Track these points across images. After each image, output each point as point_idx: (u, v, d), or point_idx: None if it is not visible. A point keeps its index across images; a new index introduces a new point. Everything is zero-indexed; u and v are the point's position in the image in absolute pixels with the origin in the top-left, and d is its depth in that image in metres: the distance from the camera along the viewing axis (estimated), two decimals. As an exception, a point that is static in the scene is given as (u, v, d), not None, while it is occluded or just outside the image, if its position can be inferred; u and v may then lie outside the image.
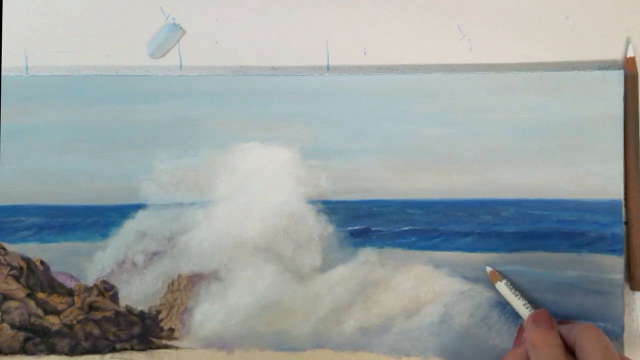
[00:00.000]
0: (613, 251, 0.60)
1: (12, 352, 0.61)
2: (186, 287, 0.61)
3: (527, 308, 0.57)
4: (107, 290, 0.62)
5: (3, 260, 0.61)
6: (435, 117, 0.61)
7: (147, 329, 0.61)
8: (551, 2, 0.62)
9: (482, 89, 0.61)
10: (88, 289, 0.62)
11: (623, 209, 0.60)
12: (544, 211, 0.60)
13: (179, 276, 0.61)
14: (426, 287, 0.60)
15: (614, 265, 0.59)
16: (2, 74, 0.62)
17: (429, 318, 0.60)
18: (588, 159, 0.60)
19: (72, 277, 0.62)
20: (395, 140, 0.61)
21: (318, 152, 0.61)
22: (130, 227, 0.61)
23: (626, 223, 0.60)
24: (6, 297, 0.61)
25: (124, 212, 0.61)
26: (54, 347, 0.61)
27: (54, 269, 0.62)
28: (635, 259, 0.60)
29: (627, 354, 0.59)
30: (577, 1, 0.62)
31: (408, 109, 0.61)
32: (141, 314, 0.61)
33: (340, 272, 0.61)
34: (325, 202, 0.61)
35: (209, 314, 0.61)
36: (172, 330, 0.61)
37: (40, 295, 0.62)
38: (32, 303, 0.61)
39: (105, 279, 0.62)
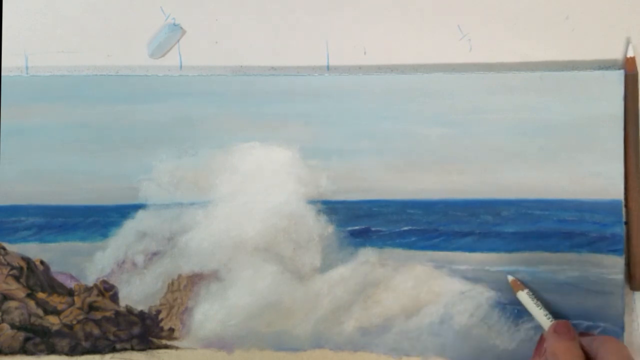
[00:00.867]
0: (613, 251, 0.60)
1: (12, 352, 0.61)
2: (186, 287, 0.61)
3: (549, 319, 0.57)
4: (107, 290, 0.62)
5: (3, 260, 0.61)
6: (435, 117, 0.61)
7: (147, 329, 0.61)
8: (551, 2, 0.62)
9: (482, 89, 0.61)
10: (88, 289, 0.62)
11: (623, 209, 0.60)
12: (544, 211, 0.60)
13: (179, 276, 0.61)
14: (426, 287, 0.60)
15: (614, 265, 0.59)
16: (2, 74, 0.62)
17: (429, 318, 0.60)
18: (588, 159, 0.60)
19: (72, 277, 0.62)
20: (395, 140, 0.61)
21: (318, 152, 0.61)
22: (130, 227, 0.61)
23: (626, 223, 0.60)
24: (6, 297, 0.61)
25: (124, 212, 0.61)
26: (54, 347, 0.61)
27: (54, 269, 0.62)
28: (635, 259, 0.60)
29: (627, 354, 0.59)
30: (577, 1, 0.62)
31: (408, 109, 0.61)
32: (141, 314, 0.61)
33: (340, 272, 0.61)
34: (325, 202, 0.61)
35: (209, 314, 0.61)
36: (172, 330, 0.61)
37: (40, 295, 0.62)
38: (32, 303, 0.61)
39: (105, 279, 0.62)
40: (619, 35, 0.62)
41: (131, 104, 0.62)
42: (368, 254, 0.61)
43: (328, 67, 0.63)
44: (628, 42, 0.61)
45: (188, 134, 0.62)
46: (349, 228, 0.61)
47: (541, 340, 0.58)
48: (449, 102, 0.61)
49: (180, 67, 0.63)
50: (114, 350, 0.61)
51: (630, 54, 0.61)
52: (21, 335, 0.61)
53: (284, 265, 0.61)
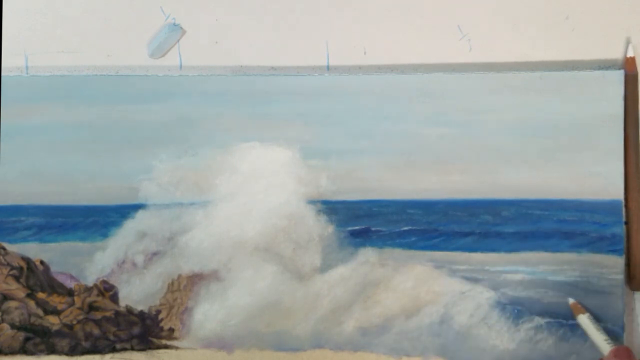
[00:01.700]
0: (613, 251, 0.60)
1: (12, 352, 0.61)
2: (186, 287, 0.61)
3: (609, 343, 0.56)
4: (107, 290, 0.62)
5: (3, 260, 0.61)
6: (435, 117, 0.61)
7: (147, 329, 0.61)
8: (551, 2, 0.62)
9: (482, 89, 0.61)
10: (88, 289, 0.62)
11: (623, 209, 0.60)
12: (544, 211, 0.60)
13: (179, 276, 0.61)
14: (426, 287, 0.60)
15: (614, 265, 0.59)
16: (2, 74, 0.62)
17: (429, 318, 0.60)
18: (588, 159, 0.60)
19: (72, 277, 0.62)
20: (395, 140, 0.61)
21: (318, 152, 0.61)
22: (130, 227, 0.61)
23: (626, 223, 0.60)
24: (6, 297, 0.61)
25: (124, 212, 0.61)
26: (54, 347, 0.61)
27: (54, 269, 0.62)
28: (635, 259, 0.60)
29: (627, 354, 0.59)
30: (577, 1, 0.62)
31: (408, 109, 0.61)
32: (141, 314, 0.61)
33: (340, 272, 0.61)
34: (325, 202, 0.61)
35: (209, 314, 0.61)
36: (172, 330, 0.61)
37: (40, 295, 0.62)
38: (32, 303, 0.61)
39: (105, 279, 0.62)
40: (619, 35, 0.62)
41: (131, 104, 0.62)
42: (368, 254, 0.61)
43: (328, 67, 0.63)
44: (628, 42, 0.61)
45: (188, 134, 0.62)
46: (349, 228, 0.61)
47: None
48: (449, 102, 0.61)
49: (180, 67, 0.63)
50: (114, 350, 0.61)
51: (630, 54, 0.61)
52: (21, 335, 0.61)
53: (284, 265, 0.61)
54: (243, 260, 0.61)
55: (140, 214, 0.61)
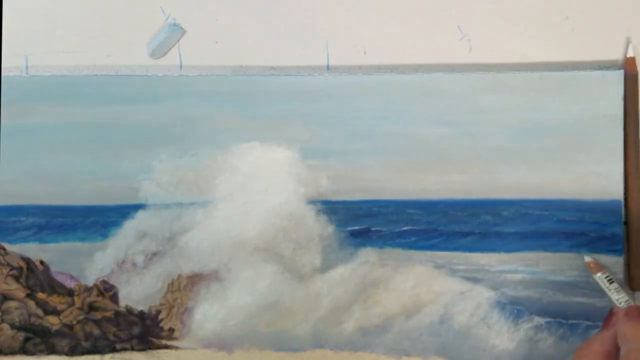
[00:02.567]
0: (613, 251, 0.60)
1: (12, 352, 0.61)
2: (186, 287, 0.61)
3: (621, 303, 0.56)
4: (107, 290, 0.62)
5: (3, 260, 0.61)
6: (435, 117, 0.61)
7: (147, 329, 0.61)
8: (551, 2, 0.62)
9: (482, 89, 0.61)
10: (88, 289, 0.62)
11: (623, 209, 0.60)
12: (544, 211, 0.60)
13: (179, 276, 0.61)
14: (426, 287, 0.60)
15: (613, 265, 0.59)
16: (2, 74, 0.62)
17: (429, 318, 0.60)
18: (588, 159, 0.60)
19: (72, 277, 0.62)
20: (395, 140, 0.61)
21: (318, 152, 0.61)
22: (130, 227, 0.61)
23: (626, 223, 0.60)
24: (6, 297, 0.61)
25: (124, 212, 0.61)
26: (54, 347, 0.61)
27: (53, 269, 0.62)
28: (635, 259, 0.60)
29: (627, 354, 0.59)
30: (577, 1, 0.62)
31: (408, 109, 0.61)
32: (141, 314, 0.61)
33: (340, 272, 0.61)
34: (325, 202, 0.61)
35: (209, 314, 0.61)
36: (172, 330, 0.61)
37: (40, 295, 0.62)
38: (32, 303, 0.61)
39: (105, 279, 0.62)
40: (619, 35, 0.62)
41: (131, 104, 0.62)
42: (368, 254, 0.61)
43: (328, 67, 0.63)
44: (628, 42, 0.61)
45: (188, 134, 0.62)
46: (349, 228, 0.61)
47: (610, 314, 0.57)
48: (449, 102, 0.61)
49: (180, 67, 0.63)
50: (113, 350, 0.61)
51: (630, 54, 0.61)
52: (21, 335, 0.61)
53: (284, 265, 0.61)
54: (243, 260, 0.61)
55: (140, 214, 0.61)
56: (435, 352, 0.60)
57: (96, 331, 0.61)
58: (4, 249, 0.61)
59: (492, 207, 0.61)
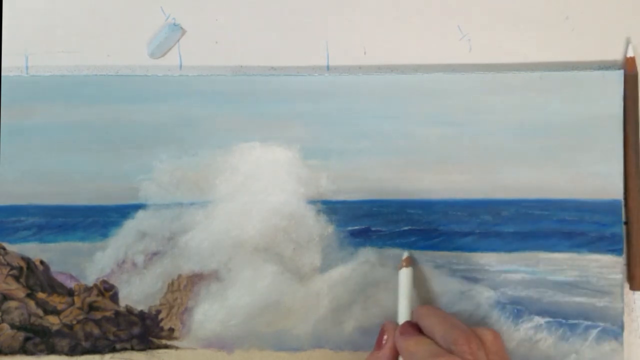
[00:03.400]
0: (613, 251, 0.60)
1: (12, 352, 0.61)
2: (186, 287, 0.61)
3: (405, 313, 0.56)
4: (107, 290, 0.62)
5: (3, 260, 0.61)
6: (435, 117, 0.61)
7: (147, 329, 0.61)
8: (551, 2, 0.62)
9: (482, 89, 0.61)
10: (88, 289, 0.62)
11: (623, 209, 0.60)
12: (544, 211, 0.60)
13: (179, 276, 0.61)
14: (426, 287, 0.60)
15: (614, 265, 0.59)
16: (2, 74, 0.62)
17: (429, 318, 0.60)
18: (588, 159, 0.60)
19: (72, 277, 0.62)
20: (395, 140, 0.61)
21: (318, 152, 0.61)
22: (130, 227, 0.61)
23: (626, 223, 0.60)
24: (6, 297, 0.61)
25: (124, 212, 0.61)
26: (54, 347, 0.61)
27: (54, 269, 0.62)
28: (635, 258, 0.60)
29: (627, 353, 0.59)
30: (577, 1, 0.62)
31: (408, 109, 0.61)
32: (141, 314, 0.61)
33: (340, 272, 0.61)
34: (325, 202, 0.61)
35: (209, 314, 0.61)
36: (172, 330, 0.61)
37: (40, 295, 0.62)
38: (32, 303, 0.61)
39: (105, 279, 0.62)
40: (619, 35, 0.62)
41: (131, 104, 0.62)
42: (368, 254, 0.61)
43: (328, 67, 0.63)
44: (628, 42, 0.61)
45: (188, 134, 0.62)
46: (349, 228, 0.61)
47: (381, 332, 0.57)
48: (449, 102, 0.61)
49: (180, 67, 0.63)
50: (114, 350, 0.61)
51: (630, 54, 0.61)
52: (21, 335, 0.61)
53: (284, 265, 0.61)
54: (243, 260, 0.61)
55: (140, 214, 0.61)
56: (435, 352, 0.60)
57: (96, 331, 0.61)
58: (4, 249, 0.61)
59: (492, 207, 0.61)
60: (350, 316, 0.61)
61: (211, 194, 0.61)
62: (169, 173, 0.62)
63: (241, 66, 0.63)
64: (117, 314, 0.61)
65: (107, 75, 0.62)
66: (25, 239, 0.62)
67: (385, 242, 0.61)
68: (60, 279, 0.62)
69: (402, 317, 0.56)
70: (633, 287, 0.60)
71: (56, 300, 0.62)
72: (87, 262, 0.61)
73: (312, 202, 0.61)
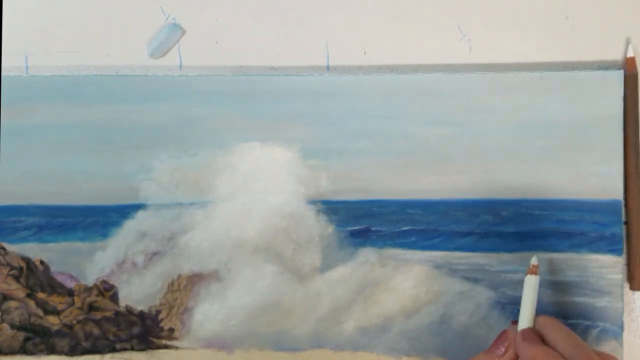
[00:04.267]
0: (613, 251, 0.60)
1: (12, 352, 0.61)
2: (186, 287, 0.61)
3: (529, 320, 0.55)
4: (107, 290, 0.62)
5: (3, 260, 0.61)
6: (435, 117, 0.61)
7: (147, 329, 0.61)
8: (551, 2, 0.62)
9: (482, 89, 0.61)
10: (88, 289, 0.62)
11: (623, 209, 0.60)
12: (544, 211, 0.60)
13: (179, 276, 0.61)
14: (426, 287, 0.60)
15: (613, 265, 0.59)
16: (2, 74, 0.62)
17: (429, 318, 0.60)
18: (588, 159, 0.60)
19: (72, 277, 0.62)
20: (395, 140, 0.61)
21: (318, 152, 0.61)
22: (130, 227, 0.61)
23: (626, 223, 0.60)
24: (6, 297, 0.61)
25: (124, 212, 0.61)
26: (54, 347, 0.61)
27: (53, 269, 0.62)
28: (635, 259, 0.60)
29: (627, 354, 0.59)
30: (577, 1, 0.62)
31: (408, 109, 0.61)
32: (141, 314, 0.61)
33: (340, 272, 0.61)
34: (325, 202, 0.61)
35: (209, 314, 0.61)
36: (172, 330, 0.61)
37: (40, 295, 0.62)
38: (32, 303, 0.61)
39: (105, 279, 0.62)
40: (619, 35, 0.62)
41: (131, 104, 0.62)
42: (368, 254, 0.61)
43: (328, 67, 0.63)
44: (628, 42, 0.61)
45: (188, 134, 0.62)
46: (349, 228, 0.61)
47: (503, 337, 0.55)
48: (449, 102, 0.61)
49: (180, 67, 0.63)
50: (113, 350, 0.61)
51: (630, 54, 0.61)
52: (21, 335, 0.61)
53: (284, 265, 0.61)
54: (243, 260, 0.61)
55: (140, 214, 0.61)
56: (435, 352, 0.60)
57: (96, 331, 0.61)
58: (4, 249, 0.61)
59: (492, 207, 0.61)
60: (350, 316, 0.61)
61: (211, 194, 0.62)
62: (169, 173, 0.62)
63: (241, 66, 0.63)
64: (117, 314, 0.61)
65: (107, 75, 0.62)
66: (25, 239, 0.62)
67: (385, 242, 0.61)
68: (60, 279, 0.62)
69: (524, 323, 0.55)
70: (633, 287, 0.60)
71: (56, 300, 0.62)
72: (87, 262, 0.61)
73: (312, 202, 0.61)
